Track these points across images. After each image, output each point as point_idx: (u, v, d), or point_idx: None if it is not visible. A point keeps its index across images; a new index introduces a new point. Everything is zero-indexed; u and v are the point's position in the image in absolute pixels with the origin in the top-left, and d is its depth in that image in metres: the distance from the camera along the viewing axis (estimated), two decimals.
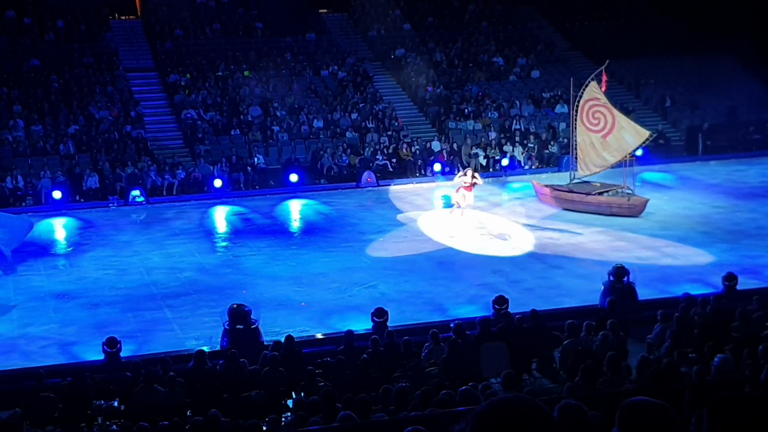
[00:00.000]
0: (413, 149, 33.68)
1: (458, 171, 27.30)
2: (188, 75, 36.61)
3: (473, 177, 24.93)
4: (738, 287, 14.81)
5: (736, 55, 37.33)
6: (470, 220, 24.86)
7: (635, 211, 24.70)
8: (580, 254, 21.05)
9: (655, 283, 17.83)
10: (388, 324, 13.79)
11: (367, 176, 31.63)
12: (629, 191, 25.50)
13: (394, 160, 33.13)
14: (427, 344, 12.68)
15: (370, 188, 31.18)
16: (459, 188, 25.07)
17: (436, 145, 34.04)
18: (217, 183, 30.08)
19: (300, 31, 40.56)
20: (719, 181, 29.99)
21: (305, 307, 17.34)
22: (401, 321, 15.24)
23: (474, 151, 33.52)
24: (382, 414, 9.17)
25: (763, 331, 12.01)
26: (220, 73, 37.06)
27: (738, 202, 26.20)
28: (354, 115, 35.81)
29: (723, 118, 36.76)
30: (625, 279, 15.85)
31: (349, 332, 13.16)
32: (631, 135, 25.92)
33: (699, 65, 37.26)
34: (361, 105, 36.55)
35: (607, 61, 26.89)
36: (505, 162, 32.93)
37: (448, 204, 26.65)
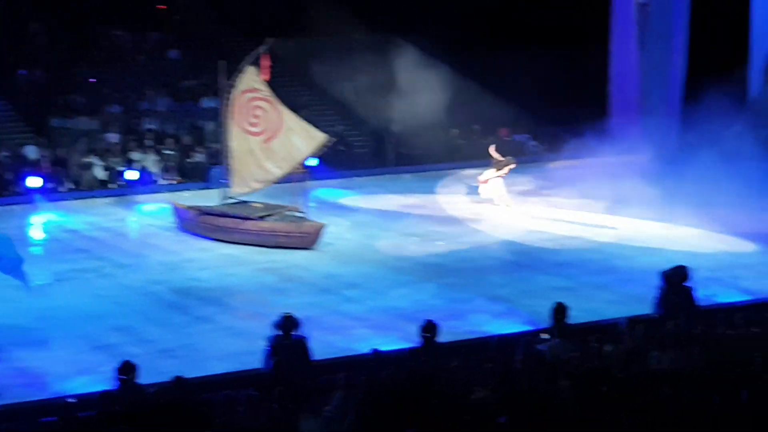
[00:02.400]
0: None
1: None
2: None
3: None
4: (440, 339, 15.63)
5: (428, 40, 39.00)
6: None
7: (308, 241, 25.36)
8: (235, 302, 21.33)
9: (335, 338, 18.44)
10: None
11: None
12: (300, 215, 26.18)
13: None
14: None
15: None
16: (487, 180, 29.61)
17: (31, 151, 33.16)
18: None
19: None
20: (414, 201, 31.50)
21: None
22: None
23: (88, 159, 33.03)
24: None
25: (471, 396, 12.77)
26: None
27: (438, 228, 27.72)
28: None
29: (418, 118, 38.63)
30: (294, 333, 16.22)
31: None
32: (302, 139, 26.61)
33: (388, 48, 38.87)
34: None
35: (271, 40, 27.50)
36: (132, 175, 32.74)
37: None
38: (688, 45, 36.45)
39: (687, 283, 18.05)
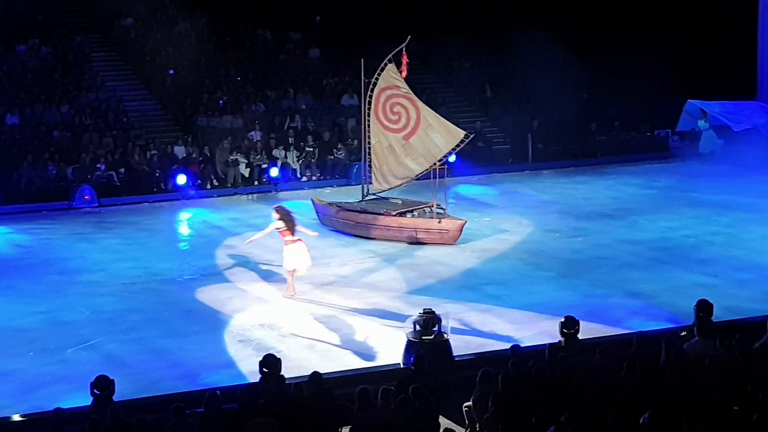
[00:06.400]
0: (149, 155, 33.22)
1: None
2: None
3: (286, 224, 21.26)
4: (580, 335, 15.45)
5: (561, 33, 38.37)
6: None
7: (448, 237, 25.32)
8: (375, 297, 21.35)
9: (475, 334, 18.38)
10: (114, 398, 13.48)
11: (85, 193, 30.92)
12: (440, 211, 26.12)
13: (122, 171, 32.54)
14: (170, 423, 12.49)
15: (88, 209, 30.49)
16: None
17: (180, 150, 33.72)
18: None
19: None
20: (554, 197, 31.29)
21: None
22: (134, 393, 14.99)
23: (234, 157, 33.48)
24: None
25: (617, 393, 12.55)
26: None
27: (578, 224, 27.39)
28: (64, 108, 34.92)
29: (559, 113, 38.18)
30: (436, 328, 16.17)
31: (58, 411, 12.77)
32: (441, 136, 26.54)
33: (522, 44, 38.44)
34: (74, 93, 35.68)
35: (409, 36, 27.47)
36: (274, 172, 33.13)
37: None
38: None
39: None
